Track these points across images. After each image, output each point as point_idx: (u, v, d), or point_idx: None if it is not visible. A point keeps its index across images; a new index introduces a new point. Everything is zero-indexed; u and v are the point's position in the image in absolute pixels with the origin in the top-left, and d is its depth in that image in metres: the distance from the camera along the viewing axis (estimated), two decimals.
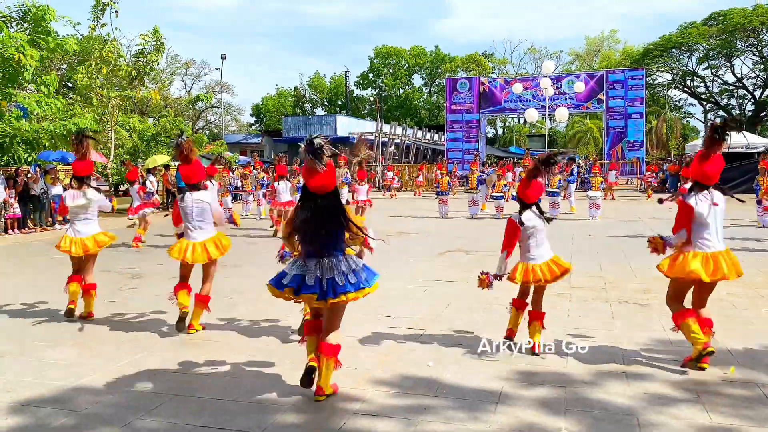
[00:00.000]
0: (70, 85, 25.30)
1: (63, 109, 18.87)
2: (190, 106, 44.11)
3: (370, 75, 67.06)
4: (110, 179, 21.32)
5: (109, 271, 9.06)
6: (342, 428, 3.68)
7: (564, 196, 18.57)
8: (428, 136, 47.92)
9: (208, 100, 30.01)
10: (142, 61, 21.45)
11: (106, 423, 3.78)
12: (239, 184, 21.41)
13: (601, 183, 17.26)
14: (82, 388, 4.37)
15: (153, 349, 5.26)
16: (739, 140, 29.80)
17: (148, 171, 17.15)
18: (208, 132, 49.31)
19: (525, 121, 48.37)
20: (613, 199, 22.94)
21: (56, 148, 19.09)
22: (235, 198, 21.96)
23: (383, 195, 28.96)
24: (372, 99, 66.70)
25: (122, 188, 23.62)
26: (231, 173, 21.99)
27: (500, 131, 66.12)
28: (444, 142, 38.89)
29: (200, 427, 3.70)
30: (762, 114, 48.60)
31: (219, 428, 3.69)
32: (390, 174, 30.49)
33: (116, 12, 20.32)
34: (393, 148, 39.02)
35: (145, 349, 5.25)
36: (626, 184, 32.78)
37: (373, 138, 35.52)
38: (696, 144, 32.17)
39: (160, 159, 20.70)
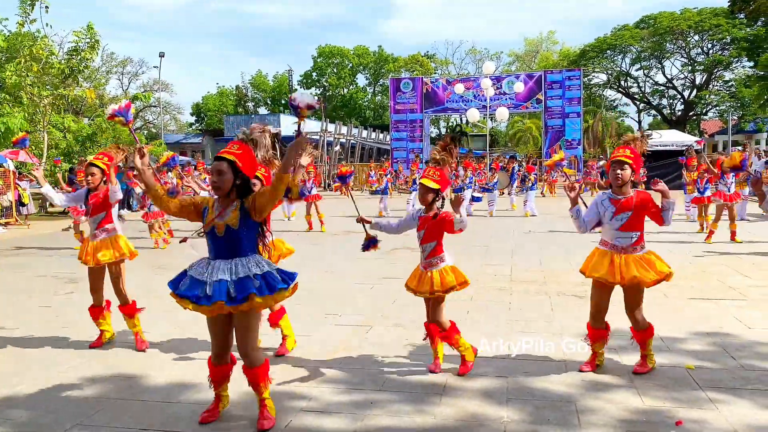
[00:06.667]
0: None
1: None
2: None
3: (314, 74, 66.72)
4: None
5: (45, 276, 8.74)
6: (288, 426, 3.68)
7: (508, 193, 19.10)
8: (373, 135, 48.04)
9: (146, 99, 29.10)
10: (76, 58, 20.67)
11: (43, 431, 3.67)
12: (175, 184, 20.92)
13: (534, 181, 17.70)
14: (17, 397, 4.21)
15: (91, 356, 5.11)
16: (669, 138, 31.23)
17: None
18: (146, 132, 48.01)
19: (467, 121, 49.10)
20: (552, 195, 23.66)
21: None
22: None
23: (340, 194, 28.89)
24: (316, 98, 66.37)
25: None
26: (167, 174, 21.40)
27: (443, 131, 66.91)
28: (389, 142, 39.08)
29: (144, 430, 3.63)
30: (690, 113, 50.91)
31: (164, 431, 3.63)
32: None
33: (46, 7, 19.50)
34: (338, 147, 38.96)
35: (83, 356, 5.10)
36: (565, 181, 33.76)
37: (318, 137, 35.36)
38: None
39: None
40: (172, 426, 3.69)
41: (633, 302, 4.39)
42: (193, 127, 64.88)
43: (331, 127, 38.82)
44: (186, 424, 3.71)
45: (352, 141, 41.09)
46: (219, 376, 3.72)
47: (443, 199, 4.48)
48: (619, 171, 4.38)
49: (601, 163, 26.81)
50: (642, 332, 4.43)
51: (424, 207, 4.46)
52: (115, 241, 5.29)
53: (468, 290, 5.81)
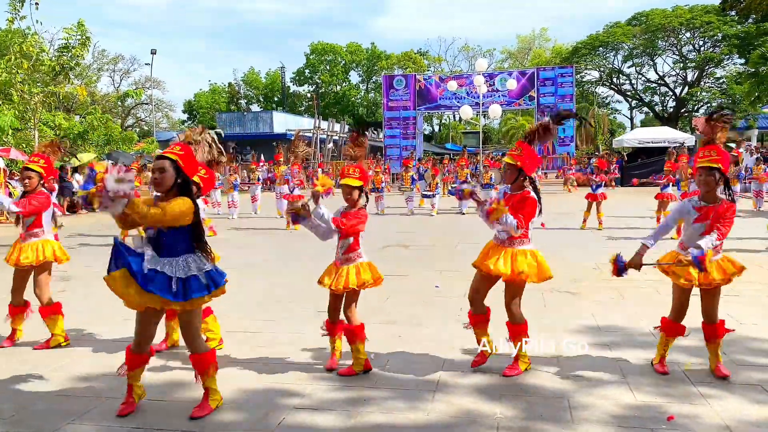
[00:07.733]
0: None
1: None
2: (119, 102, 42.61)
3: (306, 71, 66.54)
4: None
5: None
6: (281, 424, 3.67)
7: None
8: (366, 133, 48.02)
9: (137, 97, 28.95)
10: (67, 55, 20.50)
11: (35, 430, 3.64)
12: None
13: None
14: (7, 396, 4.19)
15: (82, 354, 5.08)
16: (660, 135, 31.35)
17: (74, 170, 16.47)
18: (138, 129, 47.78)
19: (460, 118, 49.16)
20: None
21: None
22: None
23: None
24: (309, 95, 66.22)
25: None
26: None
27: (437, 128, 66.93)
28: (382, 139, 39.08)
29: (136, 429, 3.62)
30: (682, 110, 51.14)
31: (156, 429, 3.61)
32: (320, 171, 30.68)
33: (36, 4, 19.33)
34: (331, 145, 38.95)
35: (74, 354, 5.07)
36: (556, 178, 33.85)
37: (311, 135, 35.32)
38: (622, 139, 33.66)
39: (86, 157, 19.92)
40: (163, 424, 3.67)
41: (507, 295, 4.42)
42: (186, 124, 64.58)
43: (324, 125, 38.79)
44: (178, 422, 3.69)
45: (345, 138, 41.07)
46: (136, 363, 3.80)
47: (367, 194, 4.53)
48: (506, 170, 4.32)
49: (593, 160, 26.92)
50: (514, 327, 4.40)
51: (347, 205, 4.46)
52: (42, 245, 5.24)
53: (462, 287, 5.78)
